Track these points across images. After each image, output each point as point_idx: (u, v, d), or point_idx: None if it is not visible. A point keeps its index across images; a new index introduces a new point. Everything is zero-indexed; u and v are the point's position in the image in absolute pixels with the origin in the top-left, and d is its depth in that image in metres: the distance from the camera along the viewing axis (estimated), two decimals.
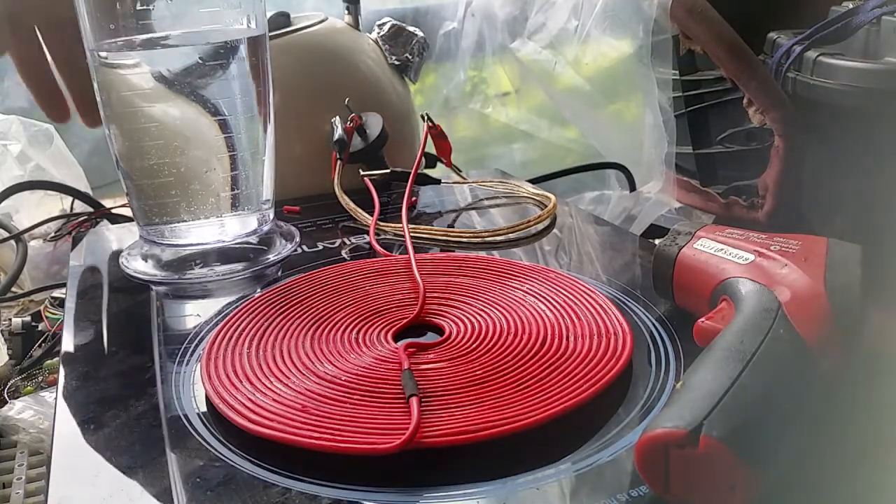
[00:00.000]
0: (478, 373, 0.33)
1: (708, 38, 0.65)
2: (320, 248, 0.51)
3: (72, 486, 0.28)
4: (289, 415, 0.31)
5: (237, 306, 0.41)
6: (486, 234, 0.52)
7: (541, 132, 0.85)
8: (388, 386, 0.32)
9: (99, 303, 0.46)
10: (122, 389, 0.36)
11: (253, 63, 0.48)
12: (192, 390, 0.34)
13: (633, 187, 0.77)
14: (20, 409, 0.45)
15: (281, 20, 0.65)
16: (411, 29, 0.69)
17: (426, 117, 0.61)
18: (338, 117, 0.60)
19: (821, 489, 0.26)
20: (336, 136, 0.59)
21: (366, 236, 0.52)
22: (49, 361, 0.53)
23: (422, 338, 0.38)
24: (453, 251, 0.50)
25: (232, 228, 0.50)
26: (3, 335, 0.55)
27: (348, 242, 0.52)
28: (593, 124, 0.79)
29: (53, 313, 0.56)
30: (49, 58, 0.52)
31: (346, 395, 0.32)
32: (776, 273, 0.33)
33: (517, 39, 0.80)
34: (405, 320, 0.39)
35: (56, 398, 0.35)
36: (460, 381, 0.33)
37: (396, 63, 0.68)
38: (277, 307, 0.40)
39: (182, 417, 0.32)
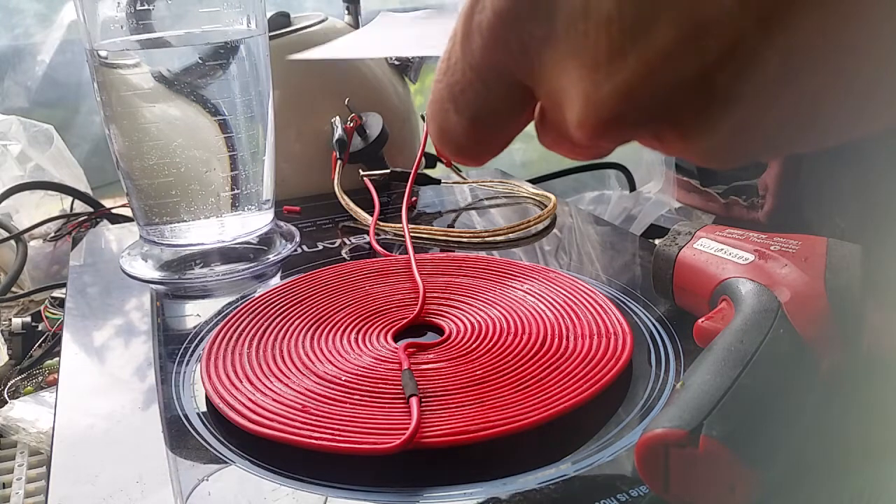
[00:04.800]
0: (478, 373, 0.33)
1: None
2: (320, 248, 0.51)
3: (72, 486, 0.28)
4: (289, 415, 0.31)
5: (237, 306, 0.41)
6: (486, 234, 0.52)
7: None
8: (388, 386, 0.32)
9: (99, 303, 0.46)
10: (121, 389, 0.36)
11: (253, 63, 0.48)
12: (192, 390, 0.34)
13: (633, 187, 0.77)
14: (20, 410, 0.45)
15: (281, 20, 0.65)
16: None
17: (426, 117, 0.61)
18: (338, 117, 0.60)
19: (820, 489, 0.26)
20: (336, 136, 0.59)
21: (366, 236, 0.52)
22: (49, 361, 0.53)
23: (422, 338, 0.38)
24: (453, 251, 0.50)
25: (232, 228, 0.50)
26: (3, 335, 0.55)
27: (348, 242, 0.52)
28: None
29: (53, 313, 0.56)
30: None
31: (346, 395, 0.32)
32: (776, 273, 0.33)
33: None
34: (405, 320, 0.39)
35: (56, 398, 0.35)
36: (460, 381, 0.33)
37: (396, 63, 0.68)
38: (277, 307, 0.40)
39: (182, 417, 0.32)
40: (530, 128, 0.19)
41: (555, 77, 0.15)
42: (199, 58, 0.46)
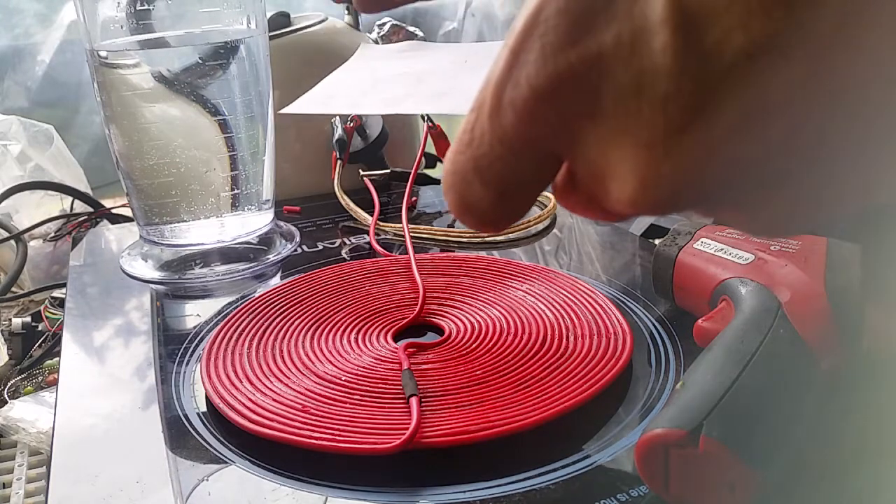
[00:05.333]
0: (478, 373, 0.33)
1: None
2: (320, 248, 0.51)
3: (72, 486, 0.28)
4: (289, 415, 0.31)
5: (237, 306, 0.41)
6: (486, 234, 0.52)
7: None
8: (387, 386, 0.32)
9: (99, 303, 0.46)
10: (121, 389, 0.36)
11: (253, 63, 0.48)
12: (192, 390, 0.34)
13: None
14: (20, 409, 0.45)
15: (281, 20, 0.65)
16: (411, 29, 0.69)
17: (426, 117, 0.61)
18: (338, 117, 0.60)
19: (820, 489, 0.26)
20: (336, 136, 0.59)
21: (366, 236, 0.52)
22: (49, 361, 0.53)
23: (422, 338, 0.38)
24: (453, 251, 0.50)
25: (232, 228, 0.50)
26: (3, 335, 0.55)
27: (348, 242, 0.52)
28: None
29: (53, 313, 0.56)
30: None
31: (346, 395, 0.32)
32: (776, 273, 0.33)
33: None
34: (405, 320, 0.39)
35: (56, 398, 0.35)
36: (460, 381, 0.33)
37: None
38: (277, 307, 0.40)
39: (182, 417, 0.32)
40: None
41: (599, 153, 0.15)
42: (199, 58, 0.46)
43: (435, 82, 0.43)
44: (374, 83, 0.47)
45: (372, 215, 0.54)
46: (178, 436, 0.31)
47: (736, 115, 0.12)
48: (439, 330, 0.38)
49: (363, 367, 0.34)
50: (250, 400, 0.32)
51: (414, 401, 0.30)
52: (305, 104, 0.47)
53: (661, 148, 0.13)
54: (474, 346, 0.36)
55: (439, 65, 0.47)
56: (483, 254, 0.48)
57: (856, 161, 0.13)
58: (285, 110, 0.47)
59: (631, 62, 0.13)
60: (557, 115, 0.15)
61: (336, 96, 0.45)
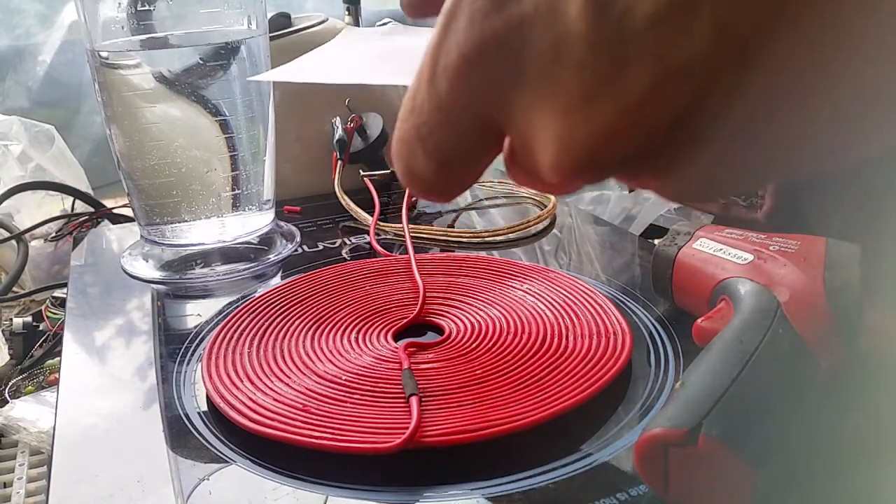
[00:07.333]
0: (477, 373, 0.33)
1: None
2: (320, 248, 0.52)
3: (72, 486, 0.29)
4: (289, 414, 0.31)
5: (238, 306, 0.41)
6: (486, 234, 0.52)
7: None
8: (388, 385, 0.32)
9: (100, 303, 0.46)
10: (122, 389, 0.36)
11: (254, 64, 0.48)
12: (193, 390, 0.34)
13: (632, 187, 0.77)
14: (21, 409, 0.45)
15: (282, 21, 0.65)
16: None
17: None
18: (338, 117, 0.60)
19: (819, 489, 0.27)
20: (336, 137, 0.59)
21: (366, 236, 0.52)
22: (50, 361, 0.53)
23: (422, 337, 0.38)
24: (453, 251, 0.50)
25: (233, 228, 0.50)
26: (4, 335, 0.55)
27: (348, 242, 0.52)
28: None
29: (54, 313, 0.56)
30: None
31: (347, 394, 0.32)
32: (775, 273, 0.33)
33: None
34: (405, 320, 0.39)
35: (57, 398, 0.35)
36: (460, 380, 0.33)
37: None
38: (278, 307, 0.41)
39: (183, 417, 0.32)
40: None
41: (526, 119, 0.15)
42: (200, 58, 0.46)
43: (406, 59, 0.43)
44: (345, 59, 0.47)
45: (372, 215, 0.54)
46: (179, 435, 0.31)
47: (647, 81, 0.12)
48: (439, 330, 0.38)
49: (363, 367, 0.34)
50: (251, 399, 0.32)
51: (414, 400, 0.30)
52: (276, 74, 0.47)
53: (578, 113, 0.13)
54: (474, 345, 0.36)
55: (414, 44, 0.47)
56: (483, 254, 0.49)
57: (769, 128, 0.13)
58: (255, 77, 0.47)
59: (550, 28, 0.13)
60: (486, 82, 0.15)
61: (306, 68, 0.45)
